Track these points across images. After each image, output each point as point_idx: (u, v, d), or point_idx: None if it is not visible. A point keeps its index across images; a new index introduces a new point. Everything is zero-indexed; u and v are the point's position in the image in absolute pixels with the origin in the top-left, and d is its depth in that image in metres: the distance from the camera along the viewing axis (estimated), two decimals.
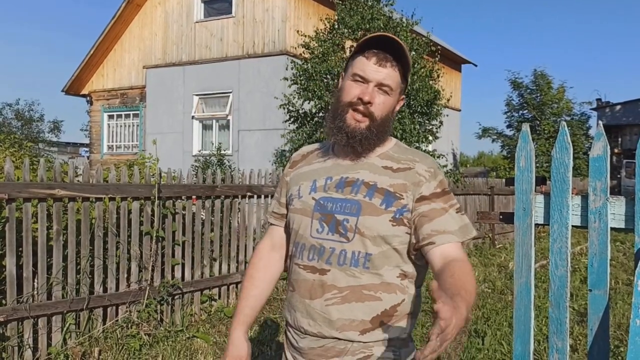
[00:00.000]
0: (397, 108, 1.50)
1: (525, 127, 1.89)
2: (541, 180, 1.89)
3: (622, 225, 1.75)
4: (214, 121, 14.64)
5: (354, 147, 1.44)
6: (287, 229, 1.58)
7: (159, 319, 4.56)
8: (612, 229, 1.78)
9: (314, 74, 9.51)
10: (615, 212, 1.75)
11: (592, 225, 1.75)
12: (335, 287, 1.40)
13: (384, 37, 1.42)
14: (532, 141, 1.86)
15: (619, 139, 27.22)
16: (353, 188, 1.44)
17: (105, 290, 4.25)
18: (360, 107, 1.42)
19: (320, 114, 9.71)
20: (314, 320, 1.43)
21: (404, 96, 1.52)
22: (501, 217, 1.97)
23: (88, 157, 18.35)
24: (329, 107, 1.53)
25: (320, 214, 1.44)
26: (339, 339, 1.42)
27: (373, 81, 1.42)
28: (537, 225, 1.86)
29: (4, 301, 3.62)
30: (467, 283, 1.21)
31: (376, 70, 1.42)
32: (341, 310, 1.40)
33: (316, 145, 1.64)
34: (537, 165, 17.91)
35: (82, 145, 31.59)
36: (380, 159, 1.47)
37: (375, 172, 1.45)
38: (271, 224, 1.67)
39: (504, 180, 12.30)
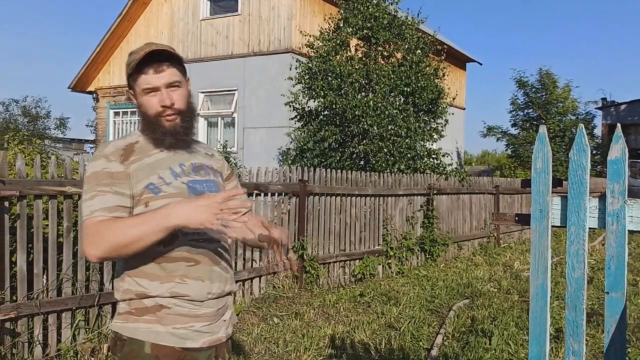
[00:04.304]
0: (190, 88, 1.76)
1: (543, 129, 1.88)
2: (557, 182, 1.89)
3: None
4: (220, 119, 14.66)
5: (183, 140, 1.71)
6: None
7: None
8: (629, 231, 1.78)
9: (318, 73, 9.51)
10: (633, 214, 1.75)
11: (609, 228, 1.75)
12: (225, 248, 1.74)
13: (149, 53, 1.62)
14: (549, 143, 1.86)
15: (624, 139, 27.16)
16: (205, 171, 1.77)
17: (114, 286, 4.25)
18: (168, 111, 1.66)
19: (325, 112, 9.71)
20: (220, 282, 1.68)
21: (188, 77, 1.76)
22: (517, 218, 1.97)
23: (93, 154, 18.34)
24: (140, 122, 1.73)
25: (195, 195, 1.65)
26: (229, 293, 1.74)
27: (162, 86, 1.64)
28: (553, 227, 1.86)
29: (14, 297, 3.63)
30: None
31: (159, 77, 1.64)
32: (226, 267, 1.73)
33: (124, 142, 1.69)
34: None
35: (87, 141, 31.57)
36: (200, 148, 1.83)
37: (205, 158, 1.81)
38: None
39: (514, 179, 12.26)
